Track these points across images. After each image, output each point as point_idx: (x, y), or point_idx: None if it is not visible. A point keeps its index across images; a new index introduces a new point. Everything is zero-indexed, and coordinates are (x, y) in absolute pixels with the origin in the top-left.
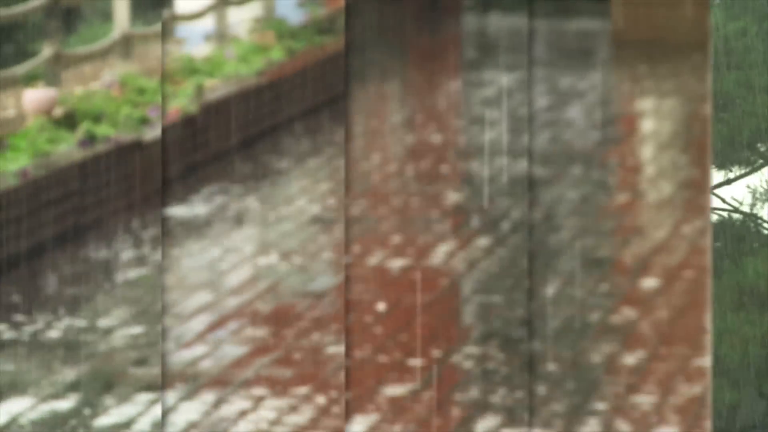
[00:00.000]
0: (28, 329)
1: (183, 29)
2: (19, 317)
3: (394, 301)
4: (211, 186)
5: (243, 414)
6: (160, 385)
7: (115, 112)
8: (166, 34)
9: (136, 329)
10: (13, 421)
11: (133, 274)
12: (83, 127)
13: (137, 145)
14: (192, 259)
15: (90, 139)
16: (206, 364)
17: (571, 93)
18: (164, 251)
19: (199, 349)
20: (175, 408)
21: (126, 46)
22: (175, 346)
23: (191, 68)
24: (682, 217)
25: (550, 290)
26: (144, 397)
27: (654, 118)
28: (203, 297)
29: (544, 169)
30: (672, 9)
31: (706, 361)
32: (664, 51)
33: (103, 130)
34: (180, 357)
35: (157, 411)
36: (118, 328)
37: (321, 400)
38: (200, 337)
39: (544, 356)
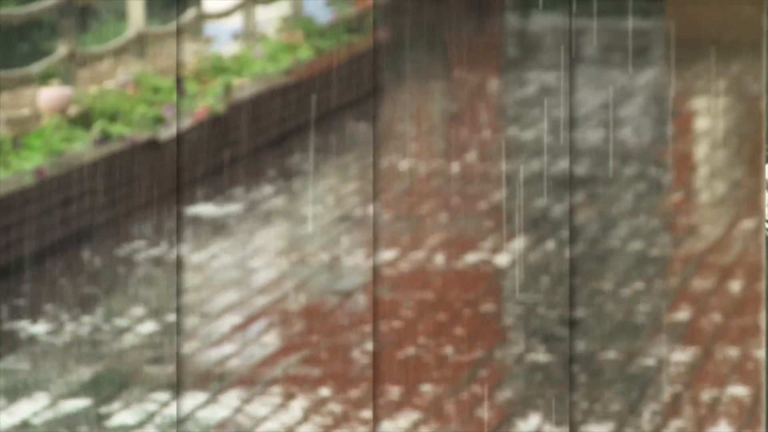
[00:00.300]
0: (41, 328)
1: (211, 28)
2: (35, 316)
3: (431, 300)
4: (239, 185)
5: (271, 412)
6: (176, 383)
7: (130, 111)
8: (192, 32)
9: (151, 327)
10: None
11: (151, 272)
12: (98, 126)
13: (159, 143)
14: (219, 257)
15: (105, 138)
16: (234, 363)
17: (625, 92)
18: (180, 250)
19: (227, 348)
20: (203, 406)
21: (141, 44)
22: (201, 344)
23: (219, 67)
24: (737, 216)
25: (605, 288)
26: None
27: (708, 116)
28: (231, 296)
29: (596, 167)
30: (726, 8)
31: (761, 358)
32: (718, 50)
33: (117, 129)
34: (208, 356)
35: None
36: (133, 326)
37: (351, 398)
38: (227, 335)
39: (599, 354)
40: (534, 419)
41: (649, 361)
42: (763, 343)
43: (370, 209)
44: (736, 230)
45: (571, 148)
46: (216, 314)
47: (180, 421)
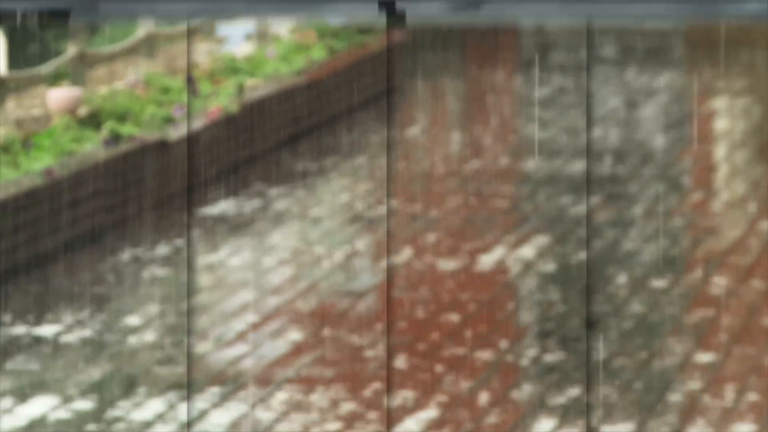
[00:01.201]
0: (51, 328)
1: (224, 28)
2: (44, 316)
3: (447, 300)
4: (252, 185)
5: (283, 413)
6: (187, 383)
7: (140, 112)
8: (205, 33)
9: (160, 327)
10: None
11: (161, 272)
12: (108, 127)
13: (169, 143)
14: (232, 258)
15: (114, 139)
16: (248, 363)
17: (644, 92)
18: (190, 250)
19: (240, 348)
20: (219, 405)
21: (151, 45)
22: (214, 345)
23: (232, 67)
24: (756, 216)
25: (623, 288)
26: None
27: (727, 117)
28: (244, 296)
29: (616, 167)
30: None
31: None
32: (737, 50)
33: (127, 129)
34: (222, 356)
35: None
36: (143, 326)
37: (365, 398)
38: (241, 336)
39: (616, 355)
40: (551, 420)
41: (669, 362)
42: None
43: (385, 209)
44: (756, 230)
45: (589, 148)
46: (229, 314)
47: (191, 422)
